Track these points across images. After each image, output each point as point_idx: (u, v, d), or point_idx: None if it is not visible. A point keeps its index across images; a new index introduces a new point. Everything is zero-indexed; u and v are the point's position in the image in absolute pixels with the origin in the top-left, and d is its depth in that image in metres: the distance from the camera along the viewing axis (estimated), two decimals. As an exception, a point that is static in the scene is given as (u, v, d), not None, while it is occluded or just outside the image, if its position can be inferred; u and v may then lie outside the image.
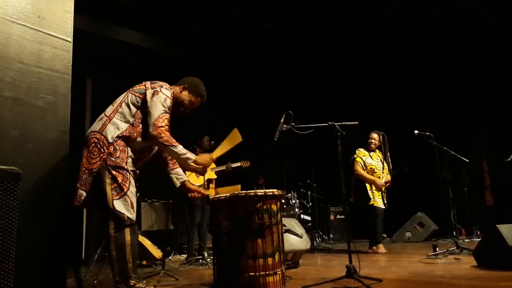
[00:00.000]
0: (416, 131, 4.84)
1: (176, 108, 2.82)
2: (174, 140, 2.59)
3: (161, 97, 2.62)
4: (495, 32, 6.48)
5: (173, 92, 2.77)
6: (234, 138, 2.92)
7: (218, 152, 2.94)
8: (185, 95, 2.86)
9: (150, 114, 2.58)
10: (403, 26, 6.78)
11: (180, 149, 2.61)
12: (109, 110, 2.65)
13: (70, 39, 2.76)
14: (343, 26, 6.94)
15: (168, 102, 2.64)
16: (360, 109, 8.24)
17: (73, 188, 2.51)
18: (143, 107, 2.62)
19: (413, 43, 7.23)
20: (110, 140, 2.52)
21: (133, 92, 2.68)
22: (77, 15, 2.85)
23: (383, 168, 5.36)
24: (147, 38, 6.68)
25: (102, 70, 6.76)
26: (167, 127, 2.59)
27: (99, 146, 2.50)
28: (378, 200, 5.21)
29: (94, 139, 2.53)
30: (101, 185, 2.45)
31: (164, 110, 2.60)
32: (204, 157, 2.76)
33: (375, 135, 5.42)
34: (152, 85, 2.69)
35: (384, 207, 5.24)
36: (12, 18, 2.46)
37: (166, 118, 2.60)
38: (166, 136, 2.56)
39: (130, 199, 2.47)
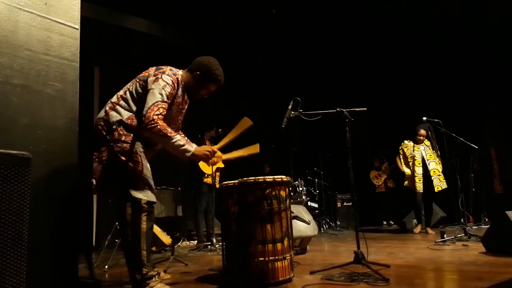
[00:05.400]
0: (424, 118, 4.82)
1: (192, 94, 2.73)
2: (169, 130, 2.39)
3: (160, 84, 2.46)
4: (507, 17, 6.35)
5: (178, 78, 2.61)
6: (242, 125, 2.79)
7: (222, 143, 2.82)
8: (200, 82, 2.68)
9: (145, 102, 2.42)
10: (414, 12, 6.67)
11: (177, 139, 2.41)
12: (114, 98, 2.63)
13: (78, 26, 2.75)
14: (351, 12, 6.84)
15: (168, 90, 2.47)
16: (370, 96, 8.20)
17: (85, 176, 2.53)
18: (145, 95, 2.48)
19: (423, 30, 7.12)
20: (113, 126, 2.48)
21: (137, 80, 2.61)
22: (84, 3, 2.84)
23: (426, 156, 5.82)
24: (155, 26, 6.66)
25: (110, 58, 6.77)
26: (161, 116, 2.39)
27: (104, 133, 2.49)
28: (417, 185, 5.75)
29: (99, 126, 2.53)
30: (113, 172, 2.46)
31: (160, 99, 2.42)
32: (202, 150, 2.55)
33: (422, 131, 5.87)
34: (156, 72, 2.56)
35: (421, 190, 5.75)
36: (19, 5, 2.45)
37: (161, 107, 2.41)
38: (159, 125, 2.35)
39: (144, 181, 2.45)
